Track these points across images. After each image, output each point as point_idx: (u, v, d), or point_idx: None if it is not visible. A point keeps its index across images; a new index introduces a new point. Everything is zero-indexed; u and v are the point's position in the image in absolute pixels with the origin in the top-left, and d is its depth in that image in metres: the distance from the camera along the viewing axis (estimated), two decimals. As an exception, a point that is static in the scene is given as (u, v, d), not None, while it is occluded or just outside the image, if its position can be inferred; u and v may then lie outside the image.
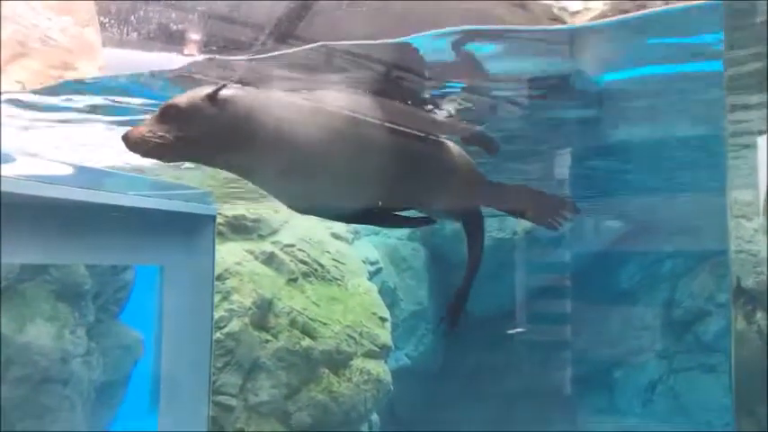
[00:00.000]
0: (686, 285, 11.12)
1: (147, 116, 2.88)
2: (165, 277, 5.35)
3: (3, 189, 3.86)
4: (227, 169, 3.19)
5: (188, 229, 5.27)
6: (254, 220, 7.75)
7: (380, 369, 7.75)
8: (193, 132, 2.81)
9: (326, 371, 7.45)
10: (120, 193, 4.73)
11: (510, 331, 10.79)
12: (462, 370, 11.31)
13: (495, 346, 11.28)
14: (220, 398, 6.89)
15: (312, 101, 3.22)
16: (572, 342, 10.70)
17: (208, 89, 2.89)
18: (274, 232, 7.89)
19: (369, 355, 7.75)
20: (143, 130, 2.78)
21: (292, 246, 7.83)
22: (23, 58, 3.60)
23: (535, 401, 11.12)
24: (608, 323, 11.38)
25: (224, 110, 2.86)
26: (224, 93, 2.88)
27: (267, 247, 7.72)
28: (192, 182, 5.39)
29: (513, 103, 3.97)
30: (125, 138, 2.78)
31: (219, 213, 7.42)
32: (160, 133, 2.75)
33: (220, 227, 7.43)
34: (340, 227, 8.56)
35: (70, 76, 3.68)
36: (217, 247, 7.15)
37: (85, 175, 4.74)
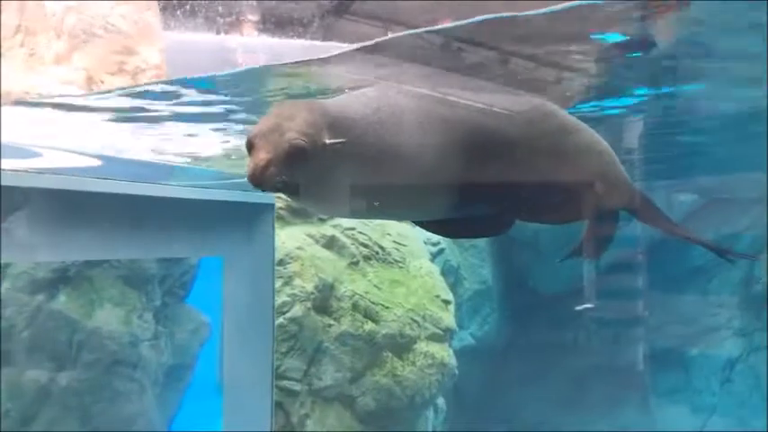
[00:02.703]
0: (765, 261, 10.60)
1: (268, 143, 2.68)
2: (225, 267, 5.32)
3: (54, 186, 3.85)
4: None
5: (247, 218, 5.21)
6: (314, 204, 7.65)
7: (445, 353, 7.63)
8: (314, 178, 2.76)
9: (390, 355, 7.37)
10: (178, 185, 4.69)
11: (578, 308, 10.47)
12: (528, 349, 11.14)
13: (563, 324, 11.05)
14: (284, 383, 6.90)
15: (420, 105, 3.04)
16: (644, 319, 10.33)
17: (322, 128, 2.75)
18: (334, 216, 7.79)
19: (432, 338, 7.62)
20: (273, 172, 2.64)
21: (353, 229, 7.74)
22: (87, 46, 3.61)
23: (605, 380, 10.87)
24: (682, 300, 10.97)
25: (338, 154, 2.77)
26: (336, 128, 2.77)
27: (328, 230, 7.65)
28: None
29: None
30: (252, 177, 2.66)
31: (279, 197, 7.37)
32: (284, 177, 2.67)
33: (280, 211, 7.39)
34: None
35: (132, 61, 3.66)
36: (277, 231, 7.12)
37: (141, 169, 4.72)
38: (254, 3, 3.16)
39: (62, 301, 7.38)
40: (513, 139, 3.10)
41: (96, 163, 4.49)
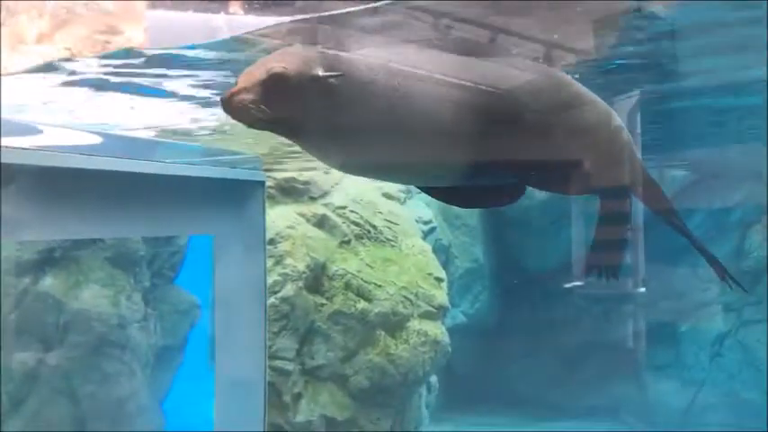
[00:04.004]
0: (756, 235, 10.61)
1: (247, 75, 2.61)
2: (216, 246, 5.23)
3: (41, 163, 3.74)
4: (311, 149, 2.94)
5: (237, 196, 5.11)
6: (305, 183, 7.57)
7: (438, 330, 7.59)
8: (298, 113, 2.63)
9: (383, 333, 7.32)
10: (165, 162, 4.57)
11: (567, 285, 10.46)
12: (520, 326, 11.14)
13: (554, 302, 11.05)
14: (277, 362, 6.84)
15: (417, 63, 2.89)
16: (635, 295, 10.33)
17: (315, 62, 2.63)
18: (325, 194, 7.72)
19: (425, 316, 7.58)
20: (245, 98, 2.55)
21: (344, 207, 7.66)
22: (70, 25, 3.52)
23: (597, 357, 10.91)
24: (673, 275, 10.97)
25: (335, 92, 2.62)
26: (335, 67, 2.64)
27: (319, 209, 7.57)
28: (238, 146, 5.21)
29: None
30: (225, 102, 2.57)
31: (270, 176, 7.27)
32: (263, 107, 2.54)
33: (270, 190, 7.29)
34: (391, 187, 8.33)
35: (117, 40, 3.59)
36: (268, 210, 7.00)
37: (129, 144, 4.60)
38: None
39: (48, 283, 7.27)
40: (526, 105, 3.00)
41: (78, 140, 4.37)
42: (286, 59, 2.63)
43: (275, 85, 2.56)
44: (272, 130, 2.75)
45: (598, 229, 3.42)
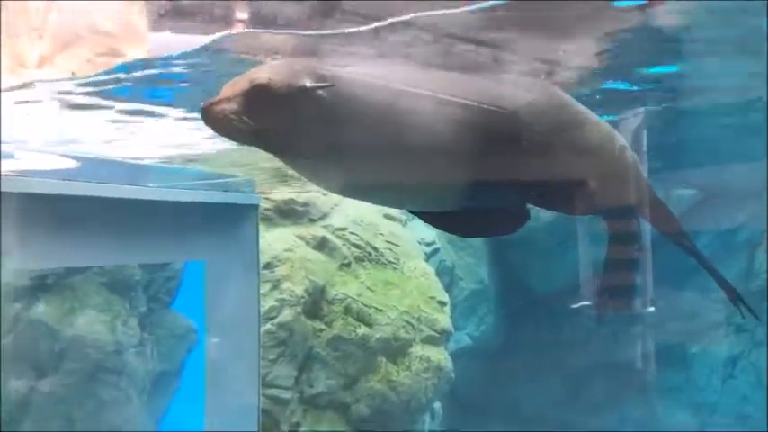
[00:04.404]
0: (764, 255, 10.42)
1: (231, 86, 2.51)
2: (207, 272, 5.07)
3: (31, 190, 3.61)
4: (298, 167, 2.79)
5: (229, 220, 4.96)
6: (304, 204, 7.42)
7: (441, 356, 7.39)
8: (282, 126, 2.50)
9: (384, 359, 7.14)
10: (155, 187, 4.42)
11: (574, 306, 10.26)
12: (526, 348, 10.95)
13: (561, 323, 10.87)
14: (274, 391, 6.65)
15: (410, 81, 2.81)
16: (644, 315, 10.12)
17: (302, 73, 2.51)
18: (325, 216, 7.56)
19: (428, 341, 7.39)
20: (226, 108, 2.44)
21: (344, 229, 7.49)
22: (71, 47, 3.45)
23: (605, 379, 10.70)
24: (681, 296, 10.78)
25: (324, 105, 2.49)
26: (323, 77, 2.52)
27: (318, 231, 7.40)
28: (231, 167, 5.06)
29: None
30: (205, 111, 2.46)
31: (267, 198, 7.12)
32: (245, 118, 2.43)
33: (268, 212, 7.15)
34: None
35: (118, 62, 3.52)
36: (265, 233, 6.86)
37: (117, 169, 4.45)
38: (244, 2, 2.97)
39: (41, 309, 7.13)
40: (527, 124, 2.90)
41: (71, 164, 4.23)
42: (272, 70, 2.54)
43: (259, 96, 2.45)
44: (255, 144, 2.62)
45: (608, 254, 3.32)
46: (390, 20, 2.85)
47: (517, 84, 3.31)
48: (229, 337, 5.21)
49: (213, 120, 2.46)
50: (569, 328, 10.90)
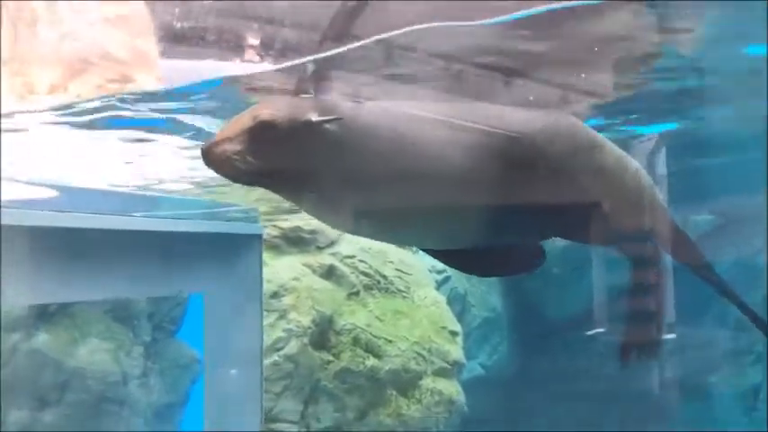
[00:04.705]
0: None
1: (232, 124, 2.38)
2: (206, 305, 4.88)
3: (30, 223, 3.48)
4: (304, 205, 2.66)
5: (230, 251, 4.78)
6: (311, 232, 7.25)
7: (453, 389, 7.17)
8: (291, 165, 2.38)
9: (394, 392, 6.94)
10: (153, 217, 4.25)
11: (589, 333, 10.03)
12: (541, 377, 10.71)
13: (576, 351, 10.63)
14: (280, 425, 6.47)
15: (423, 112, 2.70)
16: (663, 344, 9.85)
17: (307, 107, 2.39)
18: (333, 243, 7.39)
19: (439, 373, 7.17)
20: (228, 149, 2.30)
21: (352, 257, 7.31)
22: (82, 74, 3.37)
23: (622, 408, 10.43)
24: (700, 323, 10.53)
25: (333, 139, 2.36)
26: (329, 109, 2.40)
27: (326, 259, 7.23)
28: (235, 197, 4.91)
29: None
30: (205, 153, 2.33)
31: (274, 226, 6.97)
32: (249, 158, 2.29)
33: (275, 240, 7.01)
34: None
35: (129, 89, 3.47)
36: (272, 261, 6.69)
37: (113, 198, 4.29)
38: (256, 27, 2.87)
39: (42, 339, 6.99)
40: (540, 150, 2.78)
41: (54, 194, 4.08)
42: (276, 105, 2.41)
43: (263, 134, 2.30)
44: (261, 185, 2.48)
45: (631, 286, 3.22)
46: (397, 45, 2.75)
47: (530, 110, 3.18)
48: (230, 370, 5.02)
49: (214, 161, 2.33)
50: (585, 356, 10.64)
